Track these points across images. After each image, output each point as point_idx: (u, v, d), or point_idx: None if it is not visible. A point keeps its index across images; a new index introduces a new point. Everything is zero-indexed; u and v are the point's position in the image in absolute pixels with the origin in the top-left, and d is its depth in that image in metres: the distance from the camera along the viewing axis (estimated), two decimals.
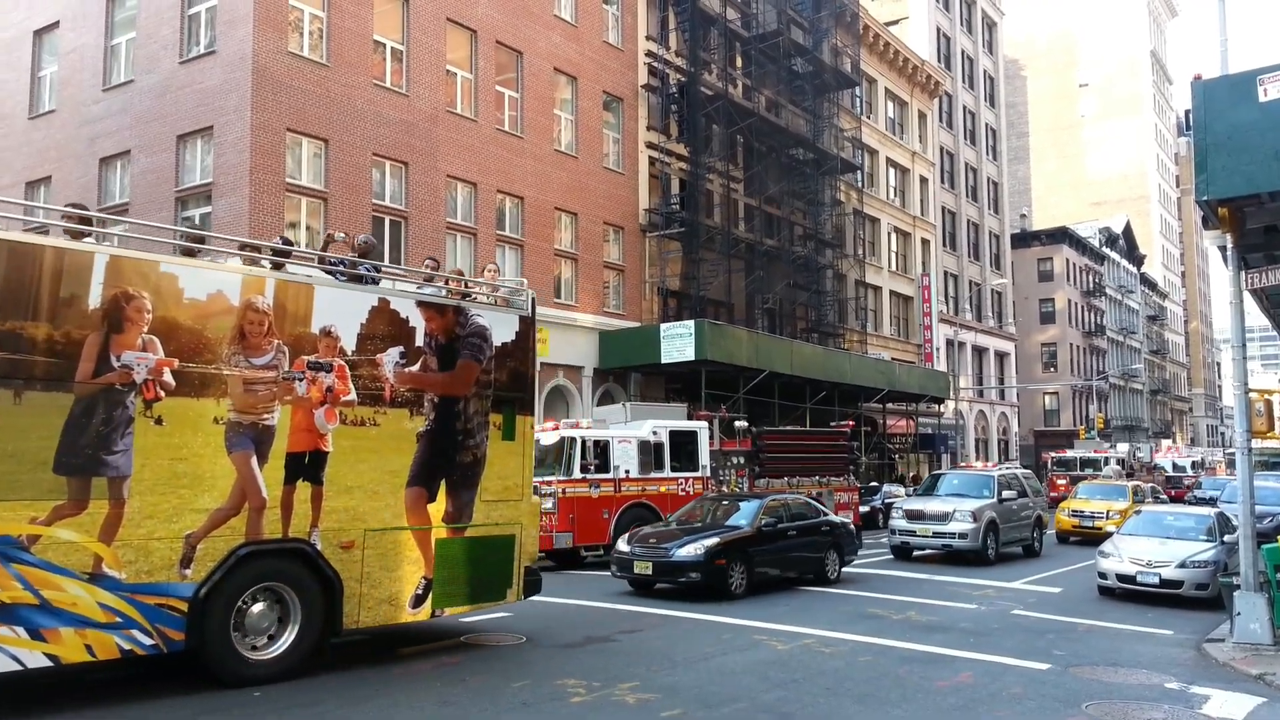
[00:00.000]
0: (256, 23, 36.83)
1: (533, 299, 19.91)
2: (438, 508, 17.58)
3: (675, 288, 55.44)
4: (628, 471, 33.76)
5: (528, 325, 19.45)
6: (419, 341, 17.47)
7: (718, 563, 25.14)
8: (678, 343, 47.76)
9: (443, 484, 17.68)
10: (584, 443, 32.96)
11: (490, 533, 18.30)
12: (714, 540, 25.55)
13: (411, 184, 42.14)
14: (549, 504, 32.03)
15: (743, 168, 62.04)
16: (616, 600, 24.91)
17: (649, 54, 55.19)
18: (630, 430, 35.17)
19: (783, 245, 63.74)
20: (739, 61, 62.74)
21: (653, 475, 34.55)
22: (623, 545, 26.87)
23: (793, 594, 26.60)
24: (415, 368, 17.39)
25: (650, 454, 34.77)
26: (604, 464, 33.24)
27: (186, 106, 38.51)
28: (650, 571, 25.59)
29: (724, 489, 36.65)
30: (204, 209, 37.42)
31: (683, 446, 36.00)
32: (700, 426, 37.43)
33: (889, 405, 71.99)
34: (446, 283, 19.85)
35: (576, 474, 32.50)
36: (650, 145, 54.83)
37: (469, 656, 17.75)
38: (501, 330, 18.85)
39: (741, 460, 39.25)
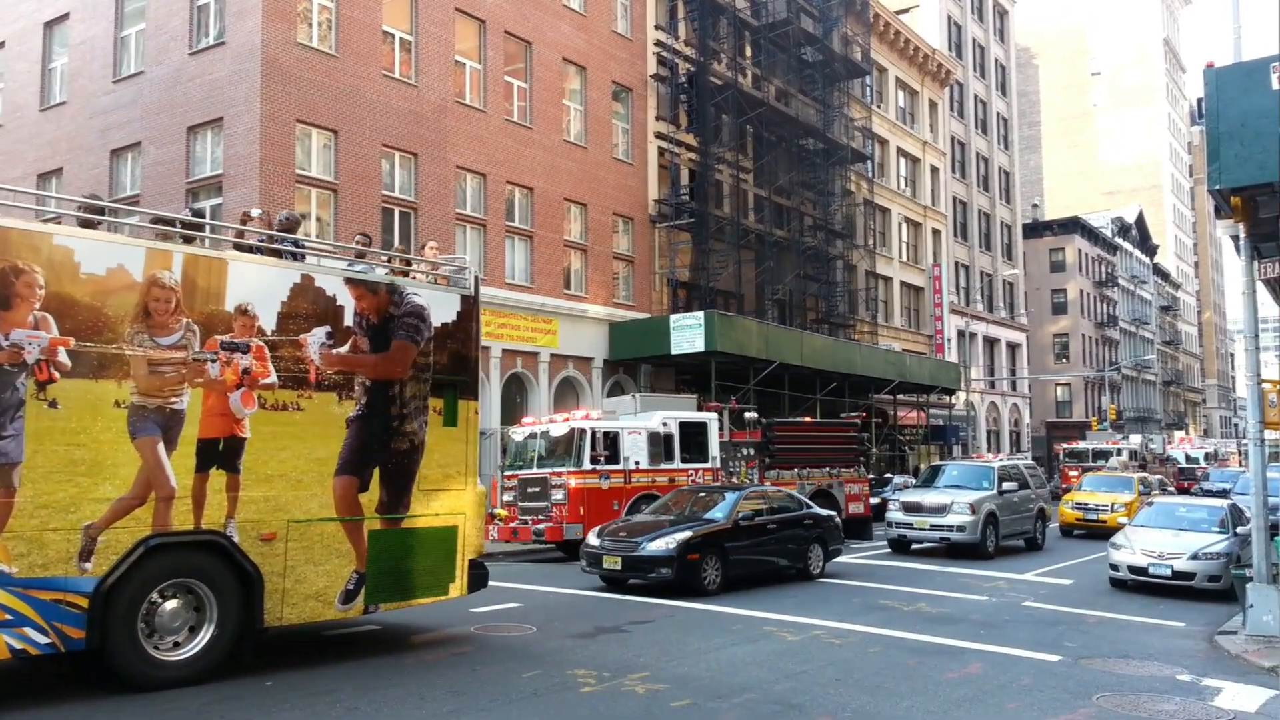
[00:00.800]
0: (265, 13, 36.90)
1: (476, 278, 18.90)
2: (370, 498, 16.72)
3: (685, 279, 55.42)
4: (638, 463, 33.71)
5: (471, 305, 18.45)
6: (348, 321, 16.56)
7: (690, 557, 24.38)
8: (687, 334, 47.79)
9: (376, 472, 16.81)
10: (594, 434, 32.91)
11: (430, 524, 17.49)
12: (687, 534, 24.75)
13: (421, 175, 42.19)
14: (559, 495, 32.14)
15: (752, 158, 61.97)
16: (627, 591, 24.86)
17: (658, 43, 55.18)
18: (640, 421, 35.10)
19: (793, 236, 63.79)
20: (748, 51, 62.67)
21: (663, 466, 34.49)
22: (592, 539, 26.22)
23: (800, 586, 26.51)
24: (344, 349, 16.47)
25: (660, 445, 34.69)
26: (614, 455, 33.21)
27: (196, 98, 38.61)
28: (619, 567, 24.92)
29: (734, 480, 36.53)
30: (215, 200, 37.41)
31: (693, 438, 35.92)
32: (710, 418, 37.39)
33: (900, 396, 72.08)
34: (391, 260, 19.46)
35: (586, 465, 32.45)
36: (659, 135, 54.79)
37: (480, 646, 17.69)
38: (442, 310, 17.89)
39: (751, 452, 39.10)
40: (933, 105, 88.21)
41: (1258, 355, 20.86)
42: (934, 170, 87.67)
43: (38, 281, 13.31)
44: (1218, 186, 18.36)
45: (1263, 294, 23.27)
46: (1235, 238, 20.54)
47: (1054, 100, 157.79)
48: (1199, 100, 19.36)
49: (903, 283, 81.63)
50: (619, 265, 52.49)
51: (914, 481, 46.31)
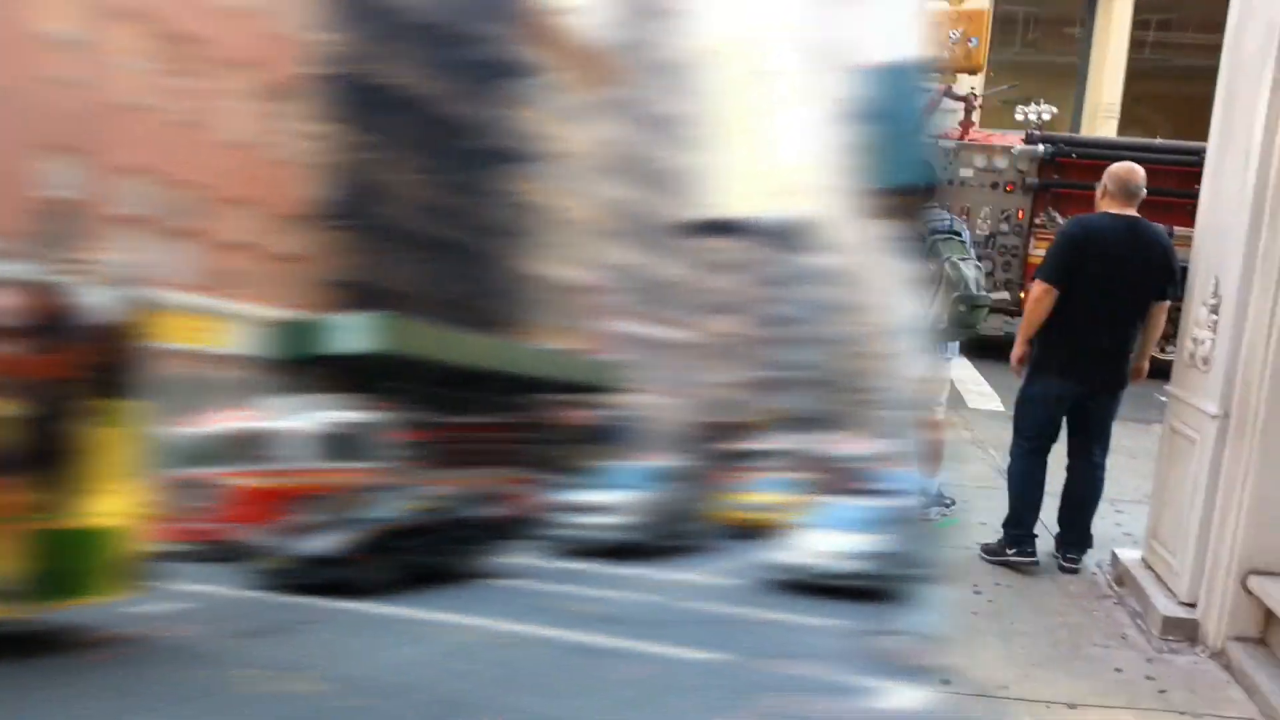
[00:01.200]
0: None
1: (141, 279, 18.76)
2: (25, 498, 16.07)
3: (349, 278, 55.13)
4: (305, 463, 33.56)
5: (137, 305, 18.13)
6: (8, 321, 16.01)
7: (359, 557, 24.45)
8: (352, 334, 47.60)
9: (31, 473, 16.17)
10: (254, 433, 32.78)
11: (93, 524, 16.91)
12: (355, 534, 24.99)
13: (84, 175, 41.30)
14: (226, 495, 31.78)
15: (413, 158, 61.83)
16: (295, 592, 24.47)
17: (317, 42, 54.77)
18: (302, 421, 34.91)
19: (456, 236, 63.76)
20: (409, 50, 62.50)
21: (331, 466, 34.32)
22: (259, 539, 26.15)
23: (469, 586, 26.52)
24: (3, 348, 15.93)
25: (329, 445, 34.56)
26: (275, 455, 32.96)
27: None
28: (286, 565, 24.83)
29: (404, 480, 36.55)
30: None
31: (362, 438, 35.80)
32: (382, 418, 37.34)
33: (565, 397, 72.57)
34: (54, 260, 19.17)
35: (254, 465, 32.10)
36: (317, 135, 54.39)
37: (149, 647, 17.40)
38: (105, 310, 17.41)
39: (417, 452, 39.14)
40: (597, 105, 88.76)
41: (918, 356, 21.43)
42: (597, 169, 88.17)
43: None
44: (875, 186, 18.84)
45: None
46: (895, 238, 21.10)
47: (726, 101, 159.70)
48: (857, 99, 19.75)
49: (565, 283, 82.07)
50: (280, 265, 52.06)
51: (583, 481, 46.82)
